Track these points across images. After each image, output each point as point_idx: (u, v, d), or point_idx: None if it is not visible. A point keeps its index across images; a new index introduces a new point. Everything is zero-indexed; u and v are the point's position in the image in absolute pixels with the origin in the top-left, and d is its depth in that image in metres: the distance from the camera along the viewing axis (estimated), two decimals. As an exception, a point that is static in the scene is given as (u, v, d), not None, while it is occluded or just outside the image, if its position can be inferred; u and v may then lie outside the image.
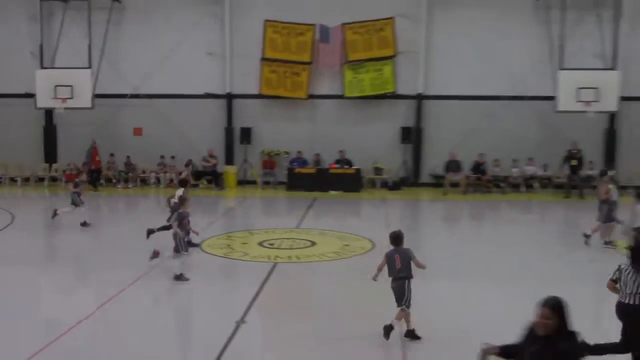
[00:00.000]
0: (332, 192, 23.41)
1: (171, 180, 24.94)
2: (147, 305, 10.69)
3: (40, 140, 25.91)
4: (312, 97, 25.04)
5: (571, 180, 22.93)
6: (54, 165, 25.78)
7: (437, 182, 24.53)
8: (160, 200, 23.16)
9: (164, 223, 14.14)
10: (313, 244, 15.07)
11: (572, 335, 4.73)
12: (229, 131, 25.40)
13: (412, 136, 24.83)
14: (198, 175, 24.81)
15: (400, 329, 8.62)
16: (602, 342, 7.35)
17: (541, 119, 24.11)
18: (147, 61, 24.90)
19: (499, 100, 24.16)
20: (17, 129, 25.27)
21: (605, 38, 23.54)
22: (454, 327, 8.93)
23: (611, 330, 7.61)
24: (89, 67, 23.50)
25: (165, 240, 12.63)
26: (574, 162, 23.03)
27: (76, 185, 17.10)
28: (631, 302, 7.30)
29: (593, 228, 14.92)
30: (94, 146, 24.36)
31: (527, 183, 24.18)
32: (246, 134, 25.11)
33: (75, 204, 16.82)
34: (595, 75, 22.67)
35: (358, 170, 24.33)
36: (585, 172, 23.01)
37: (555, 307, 4.74)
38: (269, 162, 25.35)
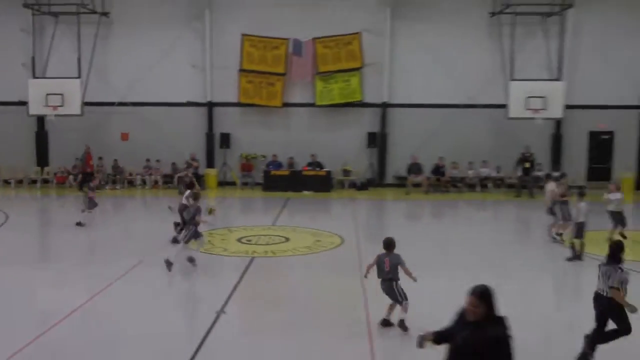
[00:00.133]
0: (305, 192, 23.40)
1: (156, 182, 24.76)
2: (134, 297, 10.57)
3: (32, 145, 25.48)
4: (286, 105, 24.99)
5: (524, 181, 23.15)
6: (46, 169, 25.40)
7: (401, 183, 24.63)
8: (146, 200, 23.02)
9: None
10: (287, 239, 15.06)
11: (500, 320, 4.66)
12: (209, 136, 25.25)
13: (377, 141, 24.90)
14: (180, 177, 24.60)
15: (381, 318, 8.66)
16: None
17: (494, 125, 24.33)
18: (133, 72, 24.65)
19: (456, 108, 24.35)
20: (11, 135, 24.83)
21: (552, 52, 23.87)
22: (415, 316, 8.92)
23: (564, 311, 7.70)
24: (79, 77, 23.18)
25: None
26: (526, 165, 23.24)
27: (92, 189, 17.08)
28: (604, 294, 7.51)
29: (559, 228, 14.92)
30: (88, 151, 24.10)
31: (482, 183, 24.40)
32: (225, 139, 25.01)
33: (91, 206, 16.72)
34: (542, 86, 22.93)
35: (328, 172, 24.35)
36: (535, 173, 23.27)
37: (482, 295, 4.64)
38: (247, 165, 25.27)
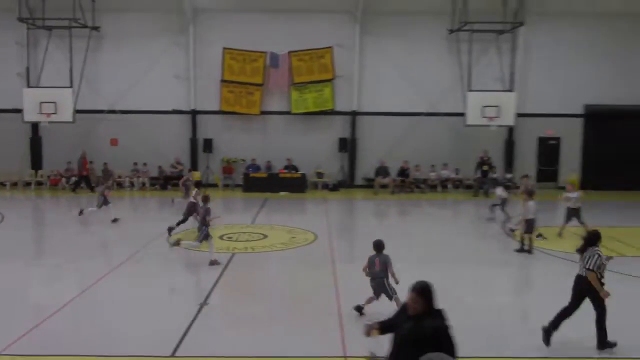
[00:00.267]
0: (282, 193, 23.36)
1: (143, 184, 24.50)
2: (122, 290, 10.46)
3: (27, 150, 25.03)
4: (264, 113, 24.94)
5: (482, 182, 23.36)
6: (40, 172, 24.99)
7: (369, 184, 24.73)
8: (134, 200, 22.76)
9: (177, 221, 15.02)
10: (265, 236, 15.04)
11: (439, 313, 4.71)
12: (193, 142, 25.08)
13: (347, 146, 24.97)
14: (166, 179, 24.50)
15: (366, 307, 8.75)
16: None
17: (453, 132, 24.55)
18: (121, 82, 24.38)
19: (419, 116, 24.55)
20: (6, 140, 24.35)
21: (504, 65, 24.22)
22: (374, 305, 8.96)
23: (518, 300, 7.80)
24: (71, 87, 22.85)
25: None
26: (485, 167, 23.47)
27: (109, 188, 17.30)
28: (584, 275, 7.66)
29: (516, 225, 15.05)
30: (84, 155, 23.78)
31: (443, 184, 24.60)
32: (208, 144, 24.87)
33: (103, 204, 16.69)
34: (496, 96, 23.20)
35: (303, 175, 24.34)
36: (491, 175, 23.49)
37: (421, 291, 4.71)
38: (228, 168, 25.15)
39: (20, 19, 22.37)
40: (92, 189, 23.38)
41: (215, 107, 24.81)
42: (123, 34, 24.37)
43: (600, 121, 24.60)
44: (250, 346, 7.96)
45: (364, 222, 19.30)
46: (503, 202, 16.85)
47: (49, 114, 22.46)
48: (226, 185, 24.99)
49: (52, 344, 7.88)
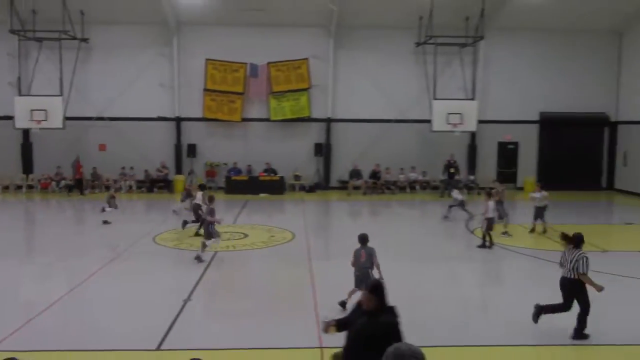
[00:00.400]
0: (261, 195, 23.24)
1: (130, 187, 24.16)
2: (110, 288, 10.28)
3: (18, 155, 24.47)
4: (244, 120, 24.78)
5: (448, 184, 23.46)
6: (31, 176, 24.45)
7: (343, 186, 24.74)
8: (122, 203, 22.39)
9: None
10: (246, 235, 14.94)
11: (391, 309, 4.72)
12: (177, 147, 24.81)
13: (323, 150, 24.94)
14: (152, 182, 24.20)
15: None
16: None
17: (420, 137, 24.68)
18: (109, 90, 24.00)
19: (389, 123, 24.64)
20: (-2, 146, 23.85)
21: (467, 76, 24.46)
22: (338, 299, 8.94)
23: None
24: (61, 95, 22.41)
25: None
26: (452, 170, 23.63)
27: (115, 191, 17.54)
28: (570, 276, 7.71)
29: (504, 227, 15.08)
30: (78, 160, 23.33)
31: (411, 186, 24.72)
32: (192, 149, 24.63)
33: (112, 206, 16.78)
34: (459, 104, 23.35)
35: (282, 178, 24.24)
36: (456, 177, 23.66)
37: (374, 289, 4.71)
38: (211, 172, 24.93)
39: (12, 31, 21.88)
40: (82, 192, 23.01)
41: (199, 114, 24.59)
42: (111, 46, 24.01)
43: (553, 127, 24.97)
44: (232, 339, 7.88)
45: (338, 222, 19.30)
46: (461, 203, 17.03)
47: (39, 121, 21.98)
48: (209, 188, 24.75)
49: (42, 340, 7.70)
